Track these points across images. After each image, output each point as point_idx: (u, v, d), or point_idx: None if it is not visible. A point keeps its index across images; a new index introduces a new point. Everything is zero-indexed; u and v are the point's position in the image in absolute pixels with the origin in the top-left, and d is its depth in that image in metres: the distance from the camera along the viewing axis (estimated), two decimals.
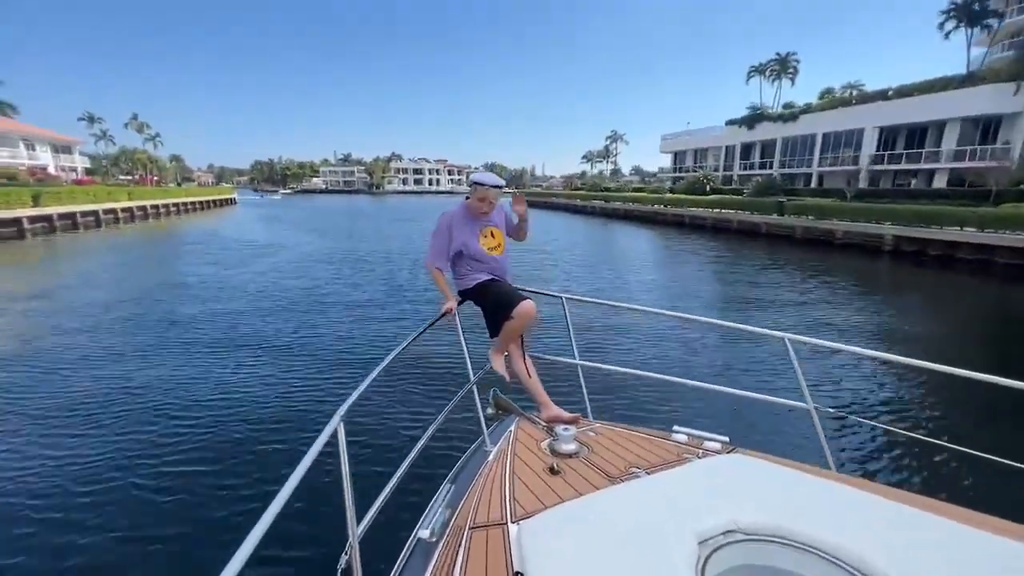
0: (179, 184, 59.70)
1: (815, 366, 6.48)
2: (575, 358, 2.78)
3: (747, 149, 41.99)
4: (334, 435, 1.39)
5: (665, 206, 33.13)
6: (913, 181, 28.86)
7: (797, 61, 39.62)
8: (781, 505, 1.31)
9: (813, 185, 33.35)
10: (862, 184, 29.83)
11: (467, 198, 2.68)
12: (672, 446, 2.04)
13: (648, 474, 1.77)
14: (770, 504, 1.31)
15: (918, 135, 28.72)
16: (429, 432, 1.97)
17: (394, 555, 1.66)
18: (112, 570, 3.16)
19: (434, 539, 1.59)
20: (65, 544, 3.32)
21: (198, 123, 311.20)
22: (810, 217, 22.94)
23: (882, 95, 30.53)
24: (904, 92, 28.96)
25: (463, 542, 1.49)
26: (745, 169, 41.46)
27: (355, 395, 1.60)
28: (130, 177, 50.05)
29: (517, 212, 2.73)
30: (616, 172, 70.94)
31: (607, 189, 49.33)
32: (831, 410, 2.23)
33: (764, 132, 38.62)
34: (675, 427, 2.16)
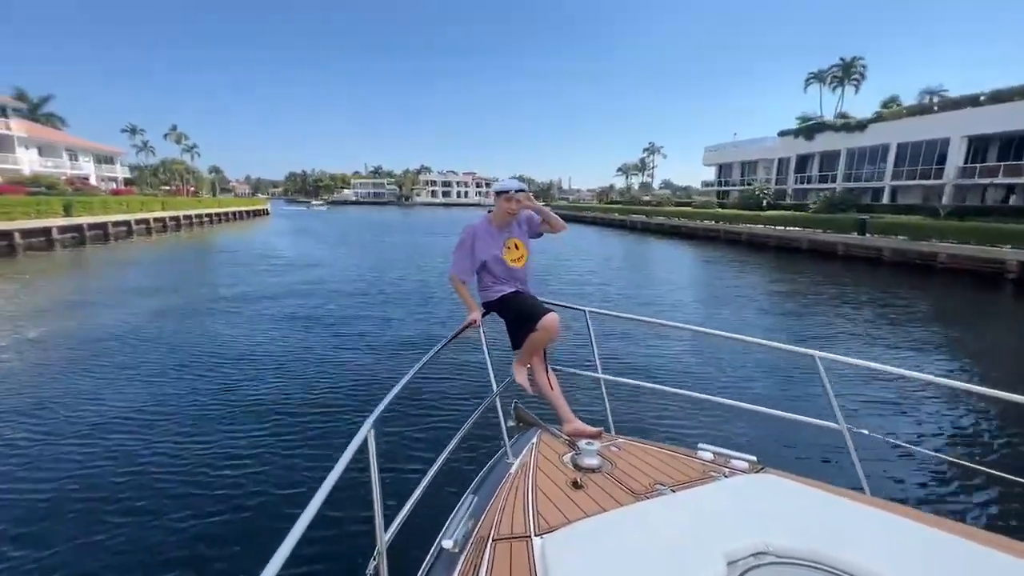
0: (215, 195, 60.65)
1: (847, 386, 6.21)
2: (598, 372, 2.75)
3: (803, 161, 38.93)
4: (364, 443, 1.40)
5: (717, 222, 30.51)
6: (1013, 197, 25.45)
7: (863, 66, 36.43)
8: (814, 528, 1.28)
9: (885, 200, 30.13)
10: (945, 199, 26.57)
11: (489, 211, 2.74)
12: (698, 463, 2.01)
13: (674, 491, 1.75)
14: (802, 527, 1.28)
15: (1015, 145, 25.38)
16: (453, 443, 2.00)
17: (417, 564, 1.65)
18: None
19: (457, 549, 1.58)
20: (92, 551, 3.29)
21: (237, 135, 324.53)
22: (901, 237, 20.01)
23: (972, 101, 27.29)
24: (1000, 97, 25.68)
25: (486, 553, 1.49)
26: (801, 183, 38.37)
27: (384, 403, 1.62)
28: (168, 187, 50.59)
29: (529, 208, 2.71)
30: (646, 185, 68.27)
31: (646, 203, 46.87)
32: (865, 432, 2.13)
33: (825, 143, 35.57)
34: (700, 444, 2.14)
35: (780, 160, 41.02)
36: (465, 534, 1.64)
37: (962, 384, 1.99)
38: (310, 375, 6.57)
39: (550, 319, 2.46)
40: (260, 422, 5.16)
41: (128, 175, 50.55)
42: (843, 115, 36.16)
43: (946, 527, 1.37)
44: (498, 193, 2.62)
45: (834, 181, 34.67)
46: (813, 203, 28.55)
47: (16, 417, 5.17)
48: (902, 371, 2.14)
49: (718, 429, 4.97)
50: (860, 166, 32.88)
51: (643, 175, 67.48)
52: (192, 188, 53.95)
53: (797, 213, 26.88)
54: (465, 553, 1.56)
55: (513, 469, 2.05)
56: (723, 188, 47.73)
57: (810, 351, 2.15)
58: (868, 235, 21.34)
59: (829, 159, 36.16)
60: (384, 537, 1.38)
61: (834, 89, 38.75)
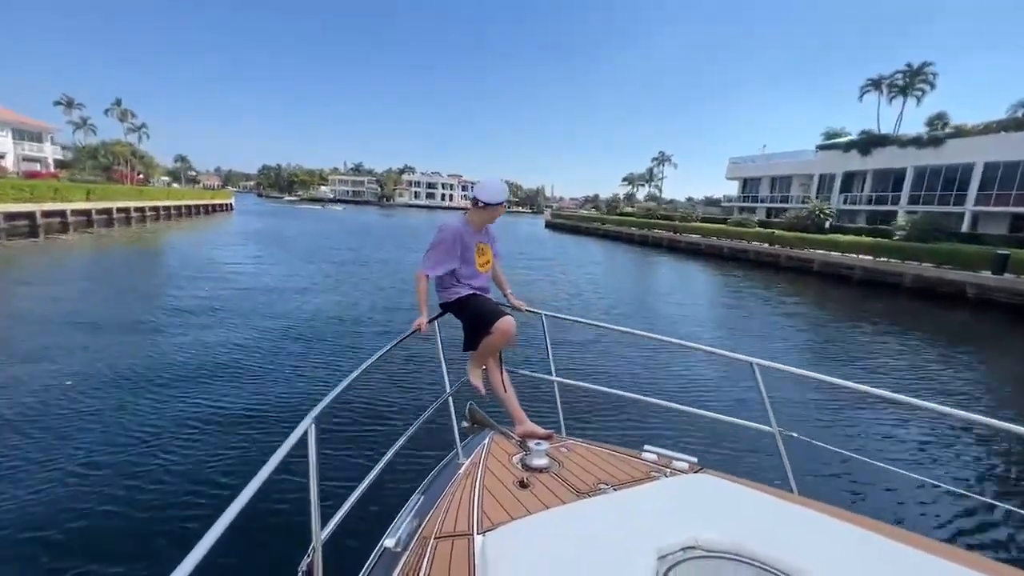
0: (173, 184, 52.66)
1: (783, 392, 6.44)
2: (552, 375, 2.78)
3: (850, 179, 34.63)
4: (304, 436, 1.39)
5: (772, 244, 25.54)
6: None
7: (933, 74, 32.22)
8: (742, 524, 1.33)
9: (964, 228, 25.76)
10: None
11: (466, 212, 2.70)
12: (642, 464, 2.07)
13: (615, 490, 1.79)
14: (731, 523, 1.33)
15: None
16: (401, 441, 2.01)
17: (360, 563, 1.65)
18: (68, 567, 3.09)
19: (399, 549, 1.59)
20: (18, 542, 3.25)
21: (207, 124, 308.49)
22: None
23: None
24: None
25: (428, 552, 1.50)
26: (849, 203, 33.99)
27: (327, 400, 1.60)
28: (109, 173, 42.61)
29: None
30: (653, 197, 63.72)
31: (668, 217, 41.92)
32: (795, 435, 2.20)
33: (885, 159, 31.20)
34: (646, 446, 2.20)
35: (821, 176, 36.68)
36: (409, 533, 1.66)
37: (891, 394, 2.03)
38: (257, 374, 6.35)
39: (506, 322, 2.47)
40: (197, 417, 5.04)
41: (60, 156, 42.49)
42: (866, 133, 31.90)
43: (866, 525, 1.45)
44: (487, 204, 2.59)
45: (894, 203, 30.30)
46: (896, 226, 23.75)
47: None
48: (833, 379, 2.18)
49: (664, 431, 5.11)
50: (932, 187, 28.52)
51: (649, 186, 62.93)
52: (140, 175, 45.97)
53: (883, 241, 22.01)
54: (407, 552, 1.57)
55: (463, 469, 2.05)
56: (748, 204, 43.25)
57: (747, 358, 2.22)
58: (1008, 274, 16.50)
59: (885, 177, 31.87)
60: (321, 534, 1.38)
61: (891, 100, 34.51)
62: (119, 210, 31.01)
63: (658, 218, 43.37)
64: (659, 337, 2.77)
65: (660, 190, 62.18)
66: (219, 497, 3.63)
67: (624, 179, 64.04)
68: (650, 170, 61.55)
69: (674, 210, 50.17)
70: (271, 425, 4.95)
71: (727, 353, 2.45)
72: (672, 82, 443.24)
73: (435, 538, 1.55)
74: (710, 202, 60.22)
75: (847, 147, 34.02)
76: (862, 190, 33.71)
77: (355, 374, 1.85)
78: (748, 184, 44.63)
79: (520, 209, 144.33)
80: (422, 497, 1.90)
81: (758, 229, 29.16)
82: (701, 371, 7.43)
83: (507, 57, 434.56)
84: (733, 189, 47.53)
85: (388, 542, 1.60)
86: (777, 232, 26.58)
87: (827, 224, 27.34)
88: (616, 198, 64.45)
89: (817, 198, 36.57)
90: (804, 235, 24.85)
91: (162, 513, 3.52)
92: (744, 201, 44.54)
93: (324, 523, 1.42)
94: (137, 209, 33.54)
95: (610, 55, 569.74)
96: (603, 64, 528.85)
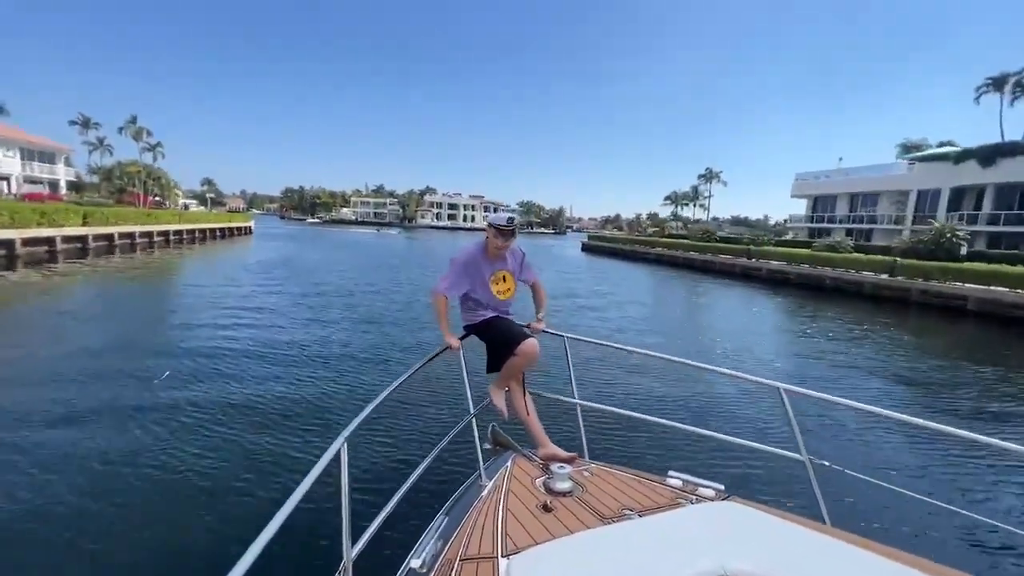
0: (185, 207, 50.10)
1: (812, 418, 6.26)
2: (574, 397, 2.74)
3: (959, 195, 29.30)
4: (337, 457, 1.40)
5: (891, 274, 20.38)
6: None
7: None
8: (772, 555, 1.30)
9: None
10: None
11: (487, 237, 2.69)
12: (666, 490, 2.03)
13: (640, 517, 1.77)
14: (761, 553, 1.30)
15: None
16: (426, 462, 2.03)
17: None
18: None
19: (425, 569, 1.59)
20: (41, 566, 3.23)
21: (233, 148, 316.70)
22: None
23: None
24: None
25: (453, 574, 1.49)
26: (962, 222, 28.51)
27: (358, 420, 1.63)
28: (120, 195, 39.85)
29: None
30: (688, 218, 58.58)
31: (729, 239, 36.92)
32: (826, 463, 2.12)
33: (1013, 171, 25.87)
34: (671, 472, 2.15)
35: (920, 193, 31.39)
36: (434, 554, 1.66)
37: (922, 421, 1.97)
38: (287, 393, 6.41)
39: (529, 344, 2.50)
40: (233, 434, 5.12)
41: (73, 178, 40.03)
42: (899, 147, 26.58)
43: (902, 559, 1.40)
44: (491, 225, 2.62)
45: None
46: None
47: None
48: (863, 406, 2.11)
49: (689, 457, 4.97)
50: None
51: (694, 205, 57.90)
52: (155, 197, 43.23)
53: None
54: (433, 573, 1.57)
55: (486, 491, 2.04)
56: (823, 225, 37.97)
57: (774, 383, 2.16)
58: None
59: (1010, 193, 26.49)
60: (351, 552, 1.40)
61: (1012, 103, 29.30)
62: (122, 236, 27.67)
63: (716, 240, 38.45)
64: (681, 360, 2.75)
65: (707, 209, 57.18)
66: (254, 516, 3.66)
67: (667, 198, 58.90)
68: (695, 188, 56.67)
69: (718, 228, 45.47)
70: (299, 445, 4.96)
71: (752, 378, 2.43)
72: (687, 104, 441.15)
73: (460, 560, 1.55)
74: (736, 222, 55.49)
75: (959, 158, 28.73)
76: (978, 208, 28.30)
77: (385, 393, 1.88)
78: (820, 203, 39.47)
79: (543, 230, 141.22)
80: (446, 518, 1.90)
81: (861, 255, 23.97)
82: (725, 396, 7.23)
83: (526, 75, 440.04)
84: (774, 208, 42.44)
85: (414, 563, 1.61)
86: (903, 261, 21.38)
87: (962, 250, 22.03)
88: (660, 219, 59.43)
89: (915, 219, 31.31)
90: (947, 264, 19.63)
91: (200, 536, 3.55)
92: (815, 221, 39.32)
93: (354, 542, 1.44)
94: (144, 235, 30.21)
95: (628, 72, 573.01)
96: (621, 83, 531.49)
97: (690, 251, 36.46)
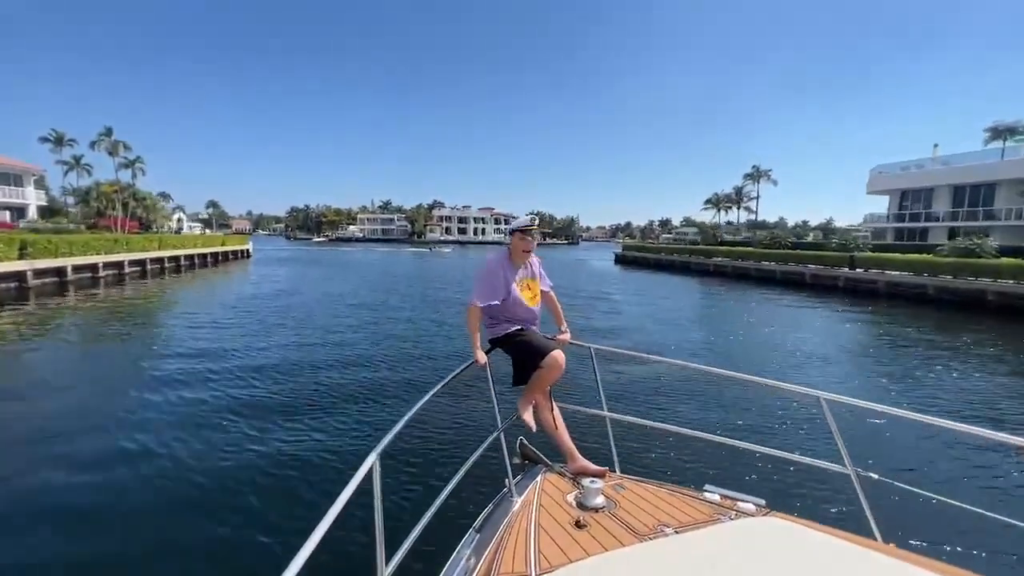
0: (177, 231, 45.26)
1: (855, 428, 5.80)
2: (603, 409, 2.69)
3: None
4: (369, 473, 1.39)
5: None
6: None
7: None
8: (819, 573, 1.24)
9: None
10: None
11: (509, 247, 2.69)
12: (704, 505, 1.95)
13: (678, 533, 1.71)
14: (807, 571, 1.24)
15: None
16: (456, 478, 1.99)
17: None
18: None
19: None
20: None
21: (238, 169, 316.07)
22: None
23: None
24: None
25: None
26: None
27: (390, 436, 1.60)
28: (99, 219, 34.81)
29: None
30: (752, 222, 52.35)
31: (811, 246, 31.00)
32: (873, 475, 2.01)
33: None
34: (707, 486, 2.08)
35: None
36: (467, 572, 1.62)
37: (975, 429, 1.84)
38: (318, 409, 6.39)
39: (556, 356, 2.46)
40: (268, 451, 5.14)
41: (44, 203, 35.19)
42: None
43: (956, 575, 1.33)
44: (514, 231, 2.64)
45: None
46: None
47: None
48: (910, 414, 1.99)
49: (725, 470, 4.73)
50: None
51: (738, 208, 51.84)
52: (140, 220, 38.20)
53: None
54: None
55: (516, 507, 2.02)
56: (918, 224, 31.87)
57: (814, 392, 2.08)
58: None
59: None
60: (386, 570, 1.38)
61: None
62: (78, 269, 22.43)
63: (789, 247, 32.50)
64: (713, 370, 2.68)
65: (756, 212, 51.07)
66: (286, 534, 3.68)
67: (707, 201, 52.62)
68: (738, 189, 50.63)
69: (735, 233, 39.47)
70: (330, 466, 4.91)
71: (790, 387, 2.33)
72: (689, 106, 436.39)
73: None
74: (753, 224, 50.12)
75: None
76: None
77: (415, 408, 1.84)
78: (908, 197, 33.42)
79: (555, 240, 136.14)
80: (478, 535, 1.87)
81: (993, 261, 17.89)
82: (762, 406, 6.76)
83: (527, 89, 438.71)
84: (809, 211, 36.41)
85: None
86: None
87: None
88: (707, 224, 53.20)
89: None
90: None
91: (238, 548, 3.59)
92: (903, 220, 33.23)
93: (388, 559, 1.42)
94: (111, 265, 25.01)
95: (627, 83, 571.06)
96: (623, 95, 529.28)
97: (762, 260, 30.49)
